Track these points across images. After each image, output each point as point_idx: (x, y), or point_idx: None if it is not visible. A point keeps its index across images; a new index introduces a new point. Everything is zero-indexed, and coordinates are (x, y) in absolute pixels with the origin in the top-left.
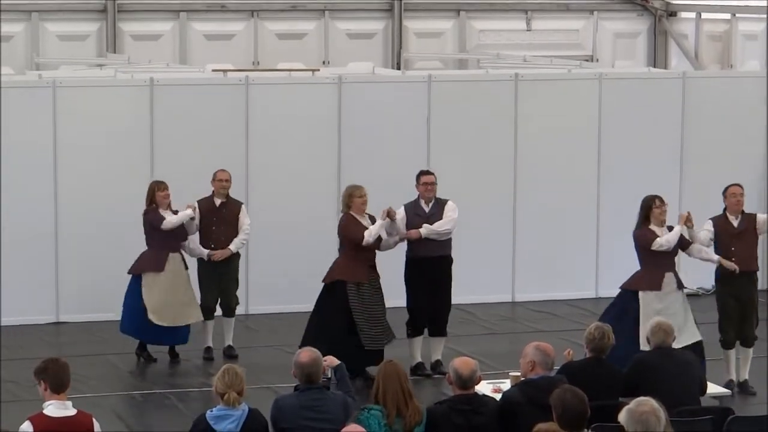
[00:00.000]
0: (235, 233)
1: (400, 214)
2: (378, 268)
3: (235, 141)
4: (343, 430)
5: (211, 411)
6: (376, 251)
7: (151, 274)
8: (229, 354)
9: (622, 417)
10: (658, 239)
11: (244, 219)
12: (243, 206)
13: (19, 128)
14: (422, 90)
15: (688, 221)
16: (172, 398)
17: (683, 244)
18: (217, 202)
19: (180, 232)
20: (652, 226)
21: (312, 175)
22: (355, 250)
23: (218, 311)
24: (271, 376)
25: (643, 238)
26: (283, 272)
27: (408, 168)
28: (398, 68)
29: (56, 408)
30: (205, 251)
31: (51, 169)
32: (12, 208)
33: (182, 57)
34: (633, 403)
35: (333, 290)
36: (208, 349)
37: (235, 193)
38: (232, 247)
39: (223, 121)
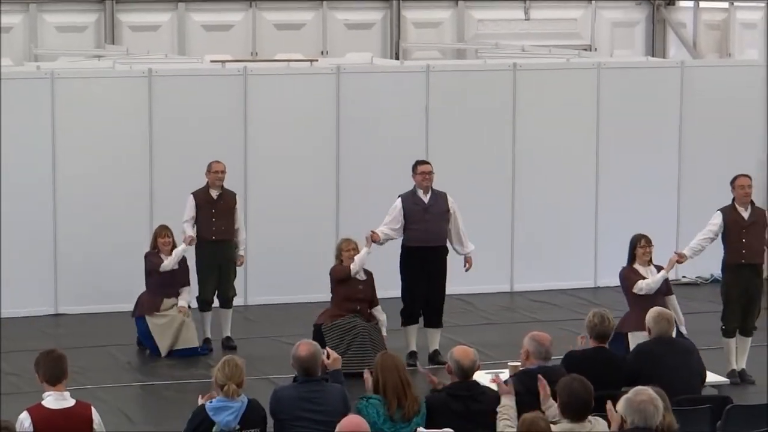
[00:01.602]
0: (233, 223)
1: (396, 208)
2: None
3: (233, 132)
4: (343, 420)
5: (211, 402)
6: (369, 307)
7: (150, 317)
8: (228, 345)
9: (620, 406)
10: (639, 283)
11: (240, 216)
12: (237, 197)
13: (18, 119)
14: (421, 80)
15: (679, 261)
16: (171, 389)
17: (668, 288)
18: (214, 194)
19: (177, 279)
20: (637, 266)
21: (310, 165)
22: (339, 299)
23: (215, 303)
24: (270, 366)
25: (626, 280)
26: (282, 263)
27: (407, 158)
28: (396, 58)
29: (54, 399)
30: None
31: (50, 161)
32: (10, 200)
33: (180, 48)
34: (631, 393)
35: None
36: (207, 341)
37: (233, 183)
38: (242, 252)
39: (221, 112)
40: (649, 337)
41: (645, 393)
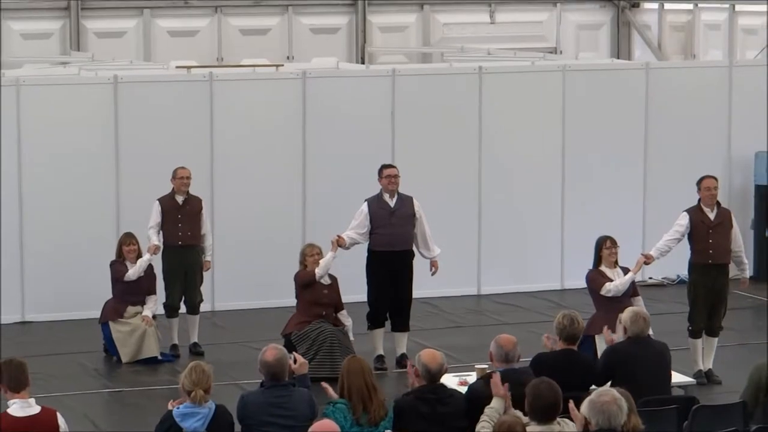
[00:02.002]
0: (199, 229)
1: (363, 212)
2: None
3: (199, 137)
4: (315, 424)
5: (178, 408)
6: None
7: (114, 323)
8: (195, 351)
9: (584, 408)
10: (606, 285)
11: (206, 221)
12: (203, 203)
13: None
14: (386, 84)
15: (646, 262)
16: (138, 396)
17: (634, 290)
18: (180, 199)
19: (143, 287)
20: (603, 267)
21: (277, 171)
22: (305, 304)
23: (182, 309)
24: (237, 372)
25: (593, 282)
26: (249, 268)
27: (373, 162)
28: (362, 63)
29: (20, 407)
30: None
31: (15, 168)
32: None
33: (146, 54)
34: (594, 394)
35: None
36: (174, 347)
37: (199, 189)
38: (209, 258)
39: (187, 118)
40: (623, 337)
41: (608, 394)
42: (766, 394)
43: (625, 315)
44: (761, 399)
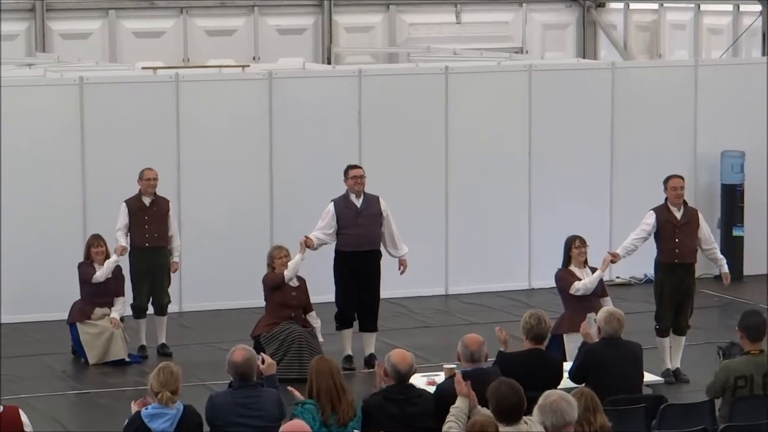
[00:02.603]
0: (166, 230)
1: (329, 213)
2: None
3: (165, 138)
4: (286, 424)
5: (146, 409)
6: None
7: (81, 325)
8: (163, 352)
9: (535, 416)
10: (575, 284)
11: (174, 222)
12: (170, 204)
13: None
14: (353, 84)
15: (613, 260)
16: (106, 397)
17: (602, 290)
18: (147, 201)
19: (111, 289)
20: (573, 267)
21: (243, 171)
22: (274, 306)
23: (150, 310)
24: (206, 373)
25: (562, 281)
26: (217, 269)
27: (339, 162)
28: (329, 63)
29: None
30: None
31: None
32: None
33: (112, 55)
34: (540, 399)
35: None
36: (142, 348)
37: (166, 190)
38: (176, 259)
39: (153, 119)
40: (598, 337)
41: (553, 394)
42: (733, 395)
43: (600, 315)
44: (728, 399)
